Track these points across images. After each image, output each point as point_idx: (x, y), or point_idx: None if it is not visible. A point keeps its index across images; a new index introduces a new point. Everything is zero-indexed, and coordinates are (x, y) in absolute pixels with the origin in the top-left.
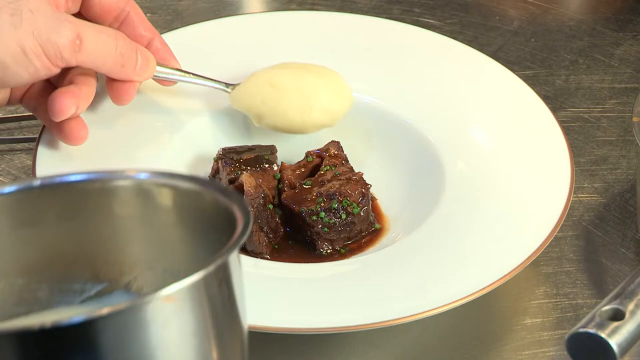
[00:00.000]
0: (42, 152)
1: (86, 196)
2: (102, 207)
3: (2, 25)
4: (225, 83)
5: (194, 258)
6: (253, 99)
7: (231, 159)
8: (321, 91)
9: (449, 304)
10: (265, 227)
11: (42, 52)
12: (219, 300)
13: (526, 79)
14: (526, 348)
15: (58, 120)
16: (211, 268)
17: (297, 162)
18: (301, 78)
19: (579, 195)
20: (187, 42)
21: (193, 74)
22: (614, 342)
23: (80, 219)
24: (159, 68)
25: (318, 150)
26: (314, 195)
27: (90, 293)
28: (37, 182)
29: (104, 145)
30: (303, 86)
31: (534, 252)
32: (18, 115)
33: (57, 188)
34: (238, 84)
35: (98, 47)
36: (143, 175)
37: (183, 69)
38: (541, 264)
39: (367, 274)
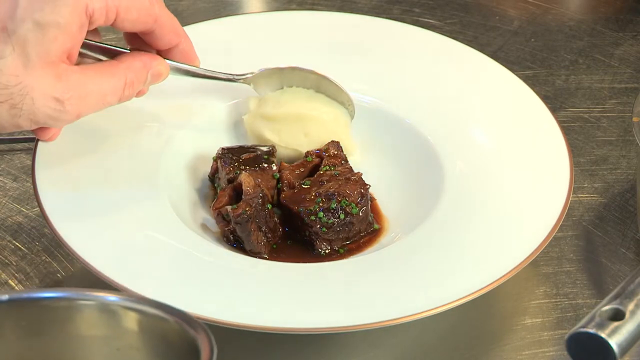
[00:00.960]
0: (42, 152)
1: (52, 313)
2: (67, 325)
3: (0, 116)
4: (236, 75)
5: None
6: (261, 133)
7: (230, 158)
8: (324, 140)
9: (449, 303)
10: (263, 227)
11: (37, 126)
12: None
13: (526, 79)
14: (526, 348)
15: (42, 139)
16: None
17: (296, 162)
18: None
19: (579, 195)
20: None
21: (205, 71)
22: (614, 342)
23: (45, 336)
24: (173, 67)
25: (318, 150)
26: (312, 195)
27: None
28: (4, 297)
29: (103, 145)
30: (309, 141)
31: (534, 252)
32: None
33: (25, 304)
34: (251, 76)
35: (100, 107)
36: (111, 298)
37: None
38: (541, 264)
39: (366, 274)
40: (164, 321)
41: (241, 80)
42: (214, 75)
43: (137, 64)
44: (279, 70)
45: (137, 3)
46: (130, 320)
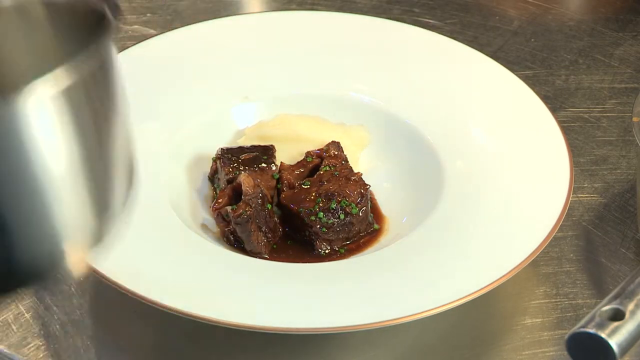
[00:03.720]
0: None
1: None
2: None
3: None
4: None
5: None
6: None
7: (230, 158)
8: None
9: (449, 303)
10: (263, 227)
11: None
12: (98, 98)
13: (526, 79)
14: (526, 348)
15: None
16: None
17: (297, 162)
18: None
19: (579, 195)
20: (187, 42)
21: None
22: (614, 342)
23: None
24: None
25: (318, 150)
26: (312, 195)
27: None
28: None
29: None
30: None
31: (534, 252)
32: None
33: None
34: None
35: None
36: None
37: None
38: (541, 264)
39: (366, 274)
40: None
41: None
42: None
43: None
44: None
45: None
46: None
